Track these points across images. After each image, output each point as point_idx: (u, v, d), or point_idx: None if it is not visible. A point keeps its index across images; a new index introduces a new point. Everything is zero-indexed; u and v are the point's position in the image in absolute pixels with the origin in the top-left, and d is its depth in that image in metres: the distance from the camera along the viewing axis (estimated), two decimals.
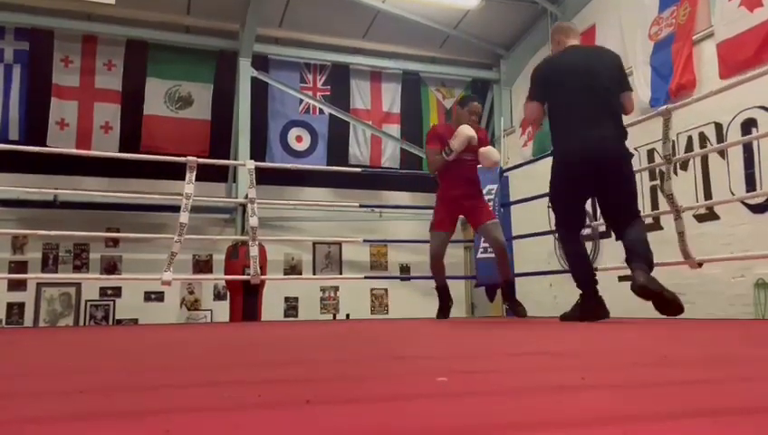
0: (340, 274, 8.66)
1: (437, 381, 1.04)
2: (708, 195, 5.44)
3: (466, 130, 4.11)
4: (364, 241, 7.51)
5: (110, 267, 7.94)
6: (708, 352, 1.71)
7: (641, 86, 6.14)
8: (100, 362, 1.67)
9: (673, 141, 4.15)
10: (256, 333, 3.22)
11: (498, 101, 9.24)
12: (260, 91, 8.28)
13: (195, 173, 4.62)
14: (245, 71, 8.01)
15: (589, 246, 6.88)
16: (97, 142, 7.66)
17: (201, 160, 4.80)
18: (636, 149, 5.47)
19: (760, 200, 5.02)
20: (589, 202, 3.88)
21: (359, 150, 8.79)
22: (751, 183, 5.07)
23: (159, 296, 7.89)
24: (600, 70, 3.27)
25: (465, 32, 8.54)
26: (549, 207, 3.56)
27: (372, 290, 8.86)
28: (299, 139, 8.58)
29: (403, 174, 8.51)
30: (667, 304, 2.91)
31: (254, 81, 8.11)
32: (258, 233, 4.88)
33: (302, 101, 8.62)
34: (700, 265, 3.80)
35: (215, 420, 0.71)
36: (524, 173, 6.23)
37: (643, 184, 5.77)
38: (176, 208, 4.68)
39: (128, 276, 7.70)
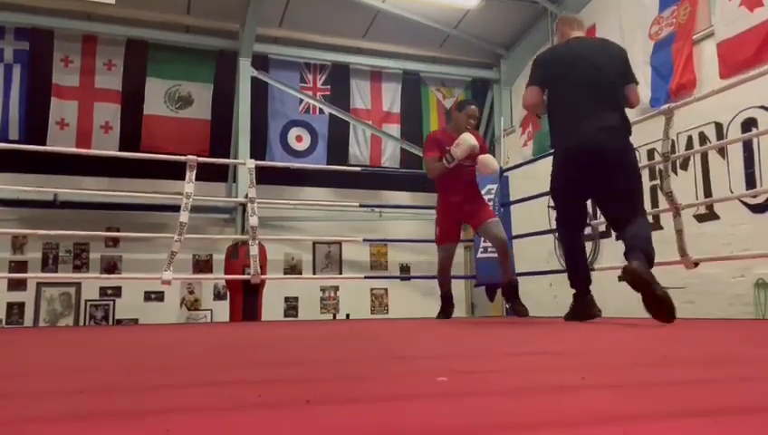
0: (340, 273, 8.66)
1: (437, 381, 1.04)
2: (708, 195, 5.43)
3: (470, 140, 4.06)
4: (364, 241, 7.51)
5: (110, 267, 7.94)
6: (708, 352, 1.71)
7: (641, 86, 6.12)
8: (100, 362, 1.67)
9: (673, 141, 4.14)
10: (256, 332, 3.22)
11: (498, 100, 9.23)
12: (260, 91, 8.27)
13: (195, 172, 4.62)
14: (245, 70, 8.01)
15: (589, 246, 6.89)
16: (97, 142, 7.66)
17: (201, 160, 4.80)
18: (636, 149, 5.47)
19: (760, 200, 5.01)
20: (589, 201, 3.84)
21: (359, 150, 8.79)
22: (751, 183, 5.07)
23: (159, 296, 7.89)
24: (605, 62, 3.15)
25: (465, 31, 8.54)
26: (549, 206, 3.51)
27: (372, 290, 8.86)
28: (299, 138, 8.58)
29: (403, 174, 8.51)
30: (659, 302, 2.54)
31: (254, 80, 8.11)
32: (258, 232, 4.88)
33: (302, 100, 8.61)
34: (696, 264, 3.78)
35: (215, 420, 0.71)
36: (524, 173, 6.23)
37: (643, 184, 5.76)
38: (176, 208, 4.68)
39: (128, 276, 7.70)
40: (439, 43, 8.82)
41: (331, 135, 8.72)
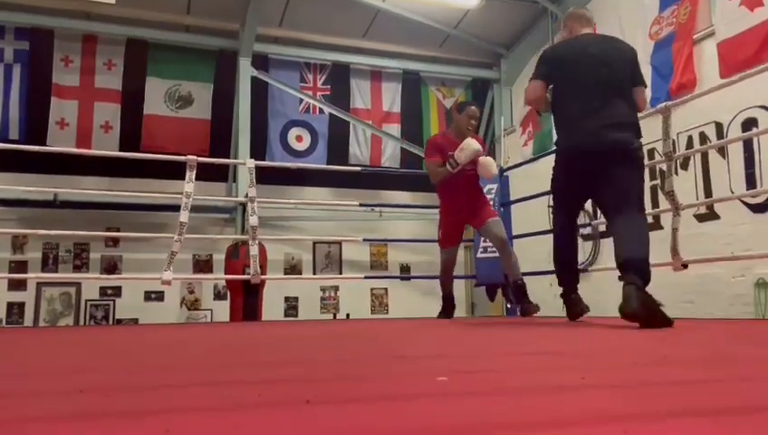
0: (341, 273, 8.66)
1: (437, 380, 1.04)
2: (709, 195, 5.43)
3: (473, 145, 4.05)
4: (364, 240, 7.51)
5: (110, 267, 7.94)
6: (708, 352, 1.71)
7: None
8: (100, 362, 1.67)
9: (673, 141, 4.14)
10: (256, 332, 3.22)
11: (498, 100, 9.24)
12: (260, 91, 8.27)
13: (195, 172, 4.61)
14: (245, 70, 8.01)
15: (589, 245, 6.89)
16: (97, 142, 7.66)
17: (201, 160, 4.79)
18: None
19: (760, 200, 5.01)
20: (589, 202, 3.82)
21: (359, 150, 8.79)
22: (751, 183, 5.07)
23: (159, 296, 7.89)
24: (614, 59, 3.04)
25: (465, 31, 8.54)
26: (549, 206, 3.48)
27: (372, 290, 8.86)
28: (299, 138, 8.58)
29: (403, 173, 8.51)
30: (657, 323, 2.48)
31: (254, 80, 8.11)
32: (258, 232, 4.88)
33: (302, 100, 8.61)
34: (685, 266, 3.75)
35: (215, 419, 0.71)
36: (524, 172, 6.23)
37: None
38: (176, 208, 4.67)
39: (128, 276, 7.70)
40: (439, 42, 8.82)
41: (331, 135, 8.72)
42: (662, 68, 6.05)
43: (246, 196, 4.95)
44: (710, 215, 5.41)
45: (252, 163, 5.06)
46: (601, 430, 0.64)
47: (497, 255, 4.51)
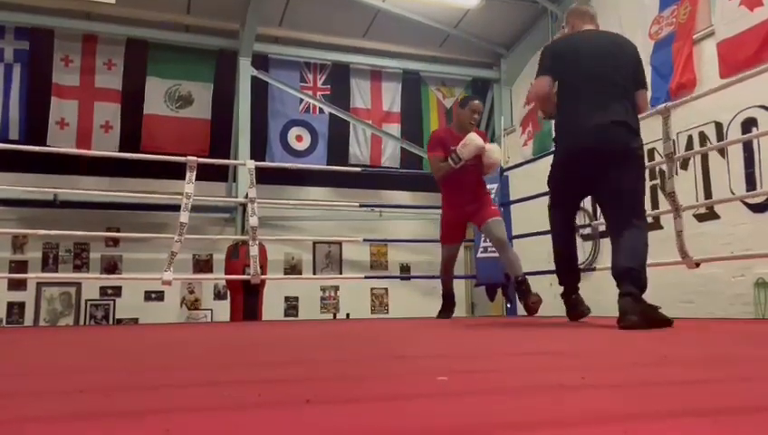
0: (341, 273, 8.66)
1: (437, 380, 1.04)
2: (708, 195, 5.43)
3: (477, 140, 4.03)
4: (364, 240, 7.51)
5: (111, 267, 7.94)
6: (708, 352, 1.71)
7: None
8: (100, 362, 1.67)
9: (673, 141, 4.13)
10: (257, 332, 3.22)
11: (498, 100, 9.23)
12: (260, 91, 8.27)
13: (195, 172, 4.61)
14: (245, 70, 8.01)
15: (589, 245, 6.89)
16: (97, 142, 7.66)
17: (201, 160, 4.79)
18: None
19: (760, 200, 5.01)
20: (589, 202, 3.81)
21: (359, 150, 8.79)
22: (751, 183, 5.07)
23: (159, 296, 7.89)
24: (617, 56, 3.00)
25: (465, 31, 8.54)
26: (549, 206, 3.44)
27: (372, 290, 8.86)
28: (299, 138, 8.58)
29: (403, 173, 8.51)
30: (661, 325, 2.52)
31: (254, 80, 8.11)
32: (258, 232, 4.88)
33: (302, 100, 8.61)
34: (697, 264, 3.77)
35: (215, 419, 0.71)
36: (524, 172, 6.23)
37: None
38: (176, 208, 4.68)
39: (128, 276, 7.70)
40: (439, 42, 8.82)
41: (332, 135, 8.72)
42: (662, 68, 6.05)
43: (246, 196, 4.95)
44: (710, 215, 5.41)
45: (252, 164, 5.07)
46: (601, 430, 0.64)
47: (497, 255, 4.50)
